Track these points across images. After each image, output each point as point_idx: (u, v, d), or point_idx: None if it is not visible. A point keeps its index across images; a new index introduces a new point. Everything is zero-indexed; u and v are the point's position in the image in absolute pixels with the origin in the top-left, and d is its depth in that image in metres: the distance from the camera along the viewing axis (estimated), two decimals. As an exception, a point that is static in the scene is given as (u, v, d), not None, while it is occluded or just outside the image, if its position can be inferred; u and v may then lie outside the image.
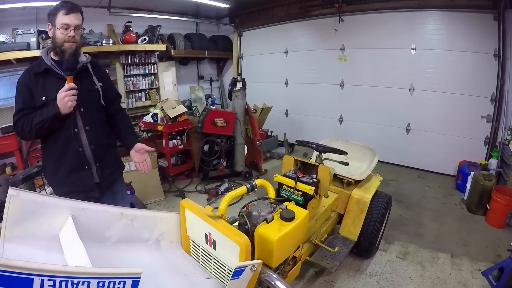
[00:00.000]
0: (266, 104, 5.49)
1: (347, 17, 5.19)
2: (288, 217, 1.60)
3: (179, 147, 4.60)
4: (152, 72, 6.02)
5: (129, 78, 5.80)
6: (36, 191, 3.27)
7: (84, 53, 2.00)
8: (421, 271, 2.70)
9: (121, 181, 2.19)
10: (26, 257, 1.10)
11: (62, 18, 1.78)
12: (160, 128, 4.45)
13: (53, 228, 1.21)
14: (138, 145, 2.08)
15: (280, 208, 1.70)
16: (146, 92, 6.07)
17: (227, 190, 4.23)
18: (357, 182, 2.68)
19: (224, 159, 4.55)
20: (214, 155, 4.43)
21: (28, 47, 4.34)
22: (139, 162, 2.07)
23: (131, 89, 5.86)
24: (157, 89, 6.15)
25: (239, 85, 4.39)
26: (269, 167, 5.10)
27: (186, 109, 4.64)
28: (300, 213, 1.70)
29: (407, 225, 3.41)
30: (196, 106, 6.15)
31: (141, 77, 5.95)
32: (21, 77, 1.85)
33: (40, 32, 4.42)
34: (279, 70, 6.43)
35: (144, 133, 5.02)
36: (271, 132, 5.95)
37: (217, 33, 7.17)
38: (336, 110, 5.77)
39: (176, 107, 4.50)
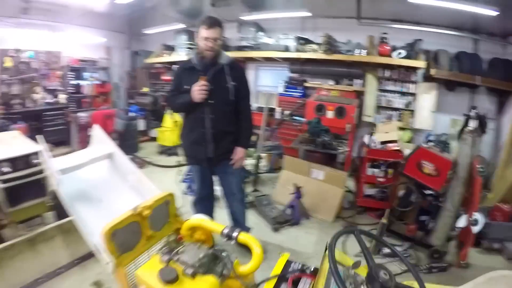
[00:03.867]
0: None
1: None
2: None
3: (379, 179, 3.82)
4: (411, 92, 5.23)
5: (383, 93, 5.41)
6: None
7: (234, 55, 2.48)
8: None
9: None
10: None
11: (203, 32, 2.25)
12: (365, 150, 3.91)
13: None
14: (238, 152, 2.55)
15: None
16: (399, 112, 5.41)
17: (393, 255, 3.06)
18: None
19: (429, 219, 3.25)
20: (407, 206, 3.32)
21: (286, 49, 5.30)
22: (235, 158, 2.56)
23: (383, 104, 5.45)
24: (413, 112, 5.28)
25: (473, 124, 2.86)
26: (480, 263, 3.05)
27: (397, 137, 3.72)
28: None
29: None
30: (448, 144, 4.65)
31: (397, 94, 5.37)
32: (177, 68, 2.61)
33: (299, 38, 5.25)
34: None
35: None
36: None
37: (502, 56, 4.94)
38: None
39: (390, 133, 3.72)
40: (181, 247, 1.36)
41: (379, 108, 5.51)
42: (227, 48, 6.47)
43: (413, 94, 5.27)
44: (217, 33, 2.26)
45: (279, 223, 3.55)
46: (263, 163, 5.14)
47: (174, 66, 7.19)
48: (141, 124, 6.75)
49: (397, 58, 4.90)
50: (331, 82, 5.82)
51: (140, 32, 8.09)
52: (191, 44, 6.95)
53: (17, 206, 2.89)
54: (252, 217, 3.69)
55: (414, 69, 5.09)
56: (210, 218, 1.64)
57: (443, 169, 3.00)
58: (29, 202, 2.89)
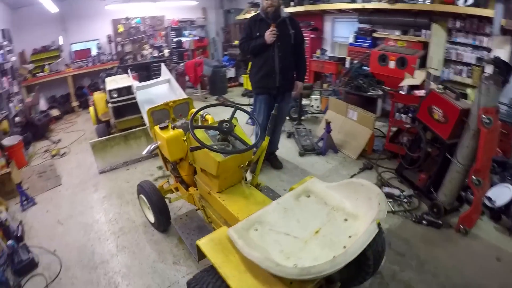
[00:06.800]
0: None
1: None
2: None
3: (405, 125, 3.85)
4: (485, 45, 4.57)
5: (454, 46, 4.89)
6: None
7: (285, 11, 3.23)
8: None
9: (289, 94, 3.50)
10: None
11: None
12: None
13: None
14: (298, 84, 3.44)
15: None
16: (470, 68, 4.85)
17: (391, 196, 3.20)
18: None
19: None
20: (415, 151, 3.39)
21: (353, 1, 5.26)
22: (296, 89, 3.46)
23: (453, 58, 4.96)
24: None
25: (489, 69, 2.66)
26: (487, 238, 2.67)
27: (418, 82, 3.61)
28: None
29: None
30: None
31: (470, 48, 4.76)
32: (247, 20, 3.28)
33: None
34: None
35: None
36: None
37: None
38: None
39: (417, 78, 3.65)
40: (178, 120, 2.44)
41: (449, 62, 5.03)
42: (301, 1, 6.79)
43: (487, 49, 4.60)
44: None
45: (306, 150, 4.22)
46: (318, 105, 5.66)
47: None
48: (231, 72, 8.01)
49: (463, 6, 4.34)
50: (397, 33, 5.57)
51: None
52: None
53: (120, 119, 4.49)
54: (288, 143, 4.58)
55: (488, 19, 4.40)
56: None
57: (451, 116, 2.85)
58: (128, 116, 4.48)
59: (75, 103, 7.03)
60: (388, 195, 3.22)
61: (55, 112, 6.21)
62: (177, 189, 2.73)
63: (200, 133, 1.94)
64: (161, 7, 8.17)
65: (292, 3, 6.96)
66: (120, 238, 2.78)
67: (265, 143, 2.22)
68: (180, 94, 3.36)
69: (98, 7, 7.29)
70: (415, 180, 3.37)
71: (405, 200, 3.16)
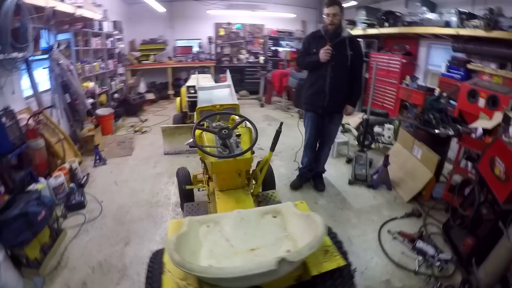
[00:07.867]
0: None
1: None
2: None
3: (469, 174, 3.30)
4: None
5: None
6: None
7: (348, 30, 3.16)
8: None
9: (339, 116, 3.45)
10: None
11: (325, 10, 2.98)
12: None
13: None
14: (348, 108, 3.33)
15: None
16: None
17: (424, 253, 2.76)
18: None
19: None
20: (469, 205, 2.89)
21: (446, 25, 4.74)
22: (346, 112, 3.36)
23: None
24: None
25: None
26: None
27: (490, 126, 3.04)
28: None
29: None
30: None
31: None
32: (307, 35, 3.36)
33: (460, 13, 4.58)
34: None
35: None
36: None
37: None
38: None
39: (491, 121, 3.12)
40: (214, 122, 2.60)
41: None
42: (395, 23, 6.41)
43: None
44: (335, 10, 2.91)
45: (356, 179, 4.02)
46: (390, 135, 5.29)
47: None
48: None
49: None
50: (493, 66, 4.72)
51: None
52: (367, 19, 7.27)
53: (194, 112, 5.11)
54: (344, 168, 4.49)
55: None
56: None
57: (513, 174, 2.38)
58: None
59: (171, 92, 8.21)
60: (420, 252, 2.77)
61: (150, 96, 7.43)
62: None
63: (208, 135, 2.20)
64: (261, 16, 8.84)
65: (386, 24, 6.63)
66: (152, 208, 3.31)
67: (268, 156, 2.31)
68: (234, 100, 3.69)
69: (202, 11, 8.37)
70: (460, 244, 2.78)
71: (437, 263, 2.63)
